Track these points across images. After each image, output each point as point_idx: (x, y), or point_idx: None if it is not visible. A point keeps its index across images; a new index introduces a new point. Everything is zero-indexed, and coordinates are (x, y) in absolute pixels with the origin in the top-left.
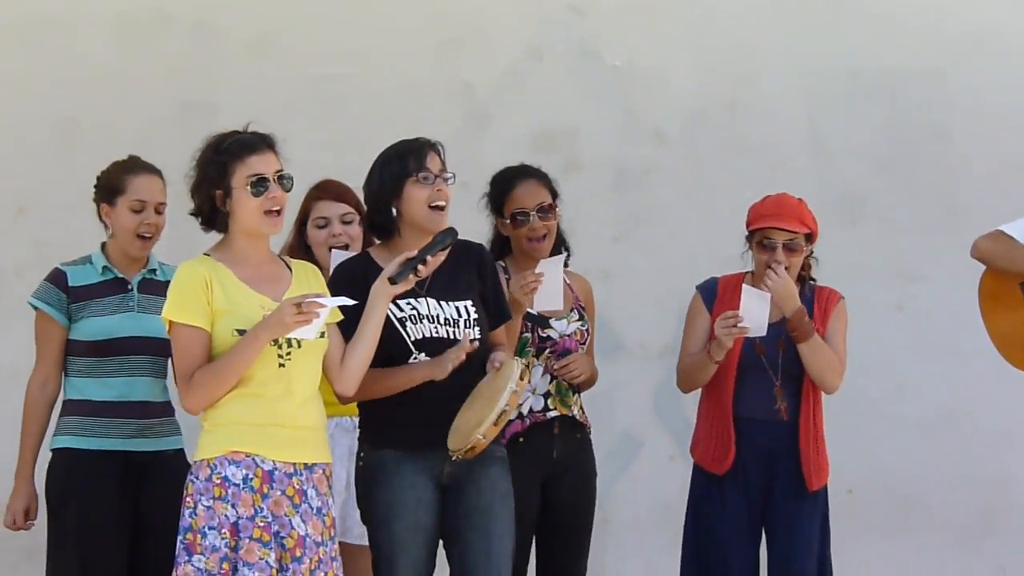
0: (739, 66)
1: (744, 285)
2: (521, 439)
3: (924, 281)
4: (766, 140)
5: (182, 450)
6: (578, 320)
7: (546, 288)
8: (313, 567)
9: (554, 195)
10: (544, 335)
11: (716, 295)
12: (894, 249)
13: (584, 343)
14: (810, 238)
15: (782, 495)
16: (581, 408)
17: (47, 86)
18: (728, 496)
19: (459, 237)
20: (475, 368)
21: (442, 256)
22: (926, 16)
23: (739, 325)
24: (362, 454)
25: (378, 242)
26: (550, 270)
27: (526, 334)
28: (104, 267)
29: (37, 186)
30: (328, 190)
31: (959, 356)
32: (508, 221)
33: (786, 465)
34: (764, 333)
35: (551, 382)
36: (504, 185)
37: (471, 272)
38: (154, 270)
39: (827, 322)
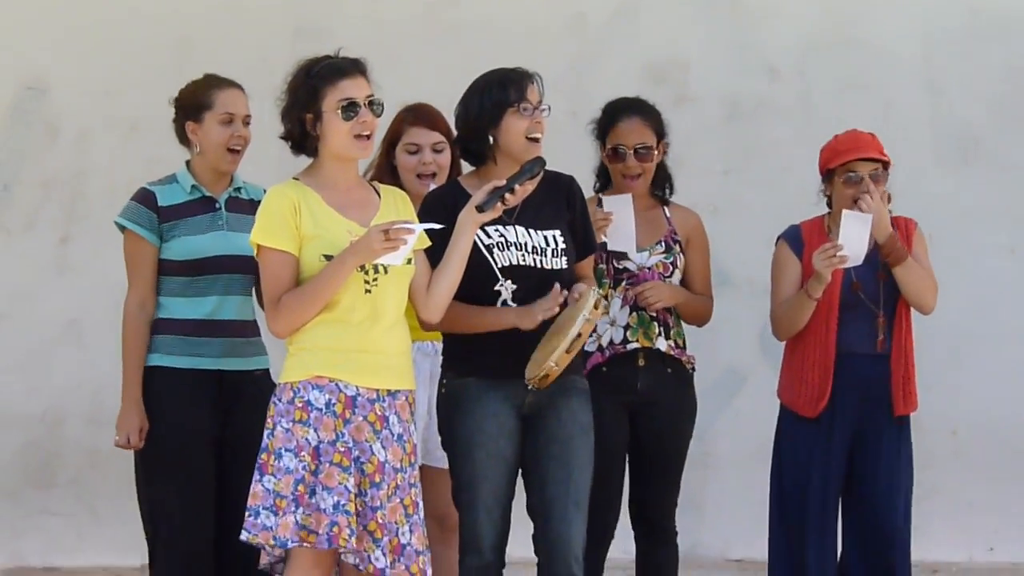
0: (854, 1)
1: (845, 211)
2: (604, 369)
3: None
4: (880, 77)
5: (268, 370)
6: (663, 253)
7: (617, 227)
8: (391, 493)
9: (660, 135)
10: (620, 266)
11: (803, 241)
12: (1008, 192)
13: (669, 275)
14: (886, 167)
15: (872, 424)
16: (677, 342)
17: (162, 7)
18: (820, 437)
19: (554, 168)
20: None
21: (530, 186)
22: None
23: (839, 254)
24: (444, 381)
25: (468, 169)
26: (619, 208)
27: (602, 265)
28: (192, 186)
29: (150, 105)
30: (422, 116)
31: None
32: (608, 153)
33: (879, 395)
34: (861, 261)
35: (631, 314)
36: (610, 117)
37: (560, 202)
38: (239, 188)
39: (911, 247)
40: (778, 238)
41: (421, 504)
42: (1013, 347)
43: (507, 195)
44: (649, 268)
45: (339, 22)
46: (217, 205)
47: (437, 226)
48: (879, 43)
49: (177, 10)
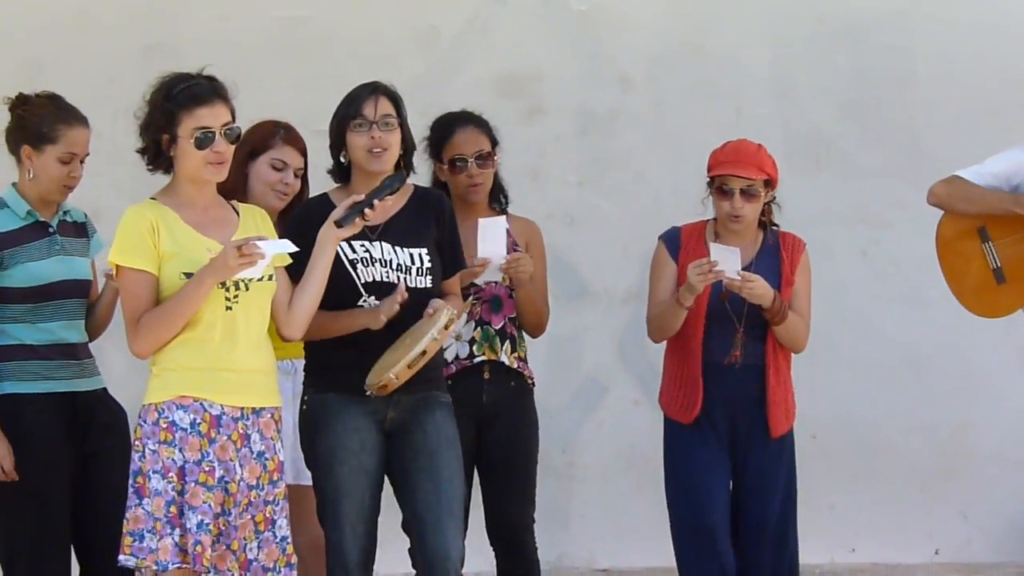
0: (704, 10)
1: (712, 244)
2: (450, 383)
3: (888, 227)
4: (731, 84)
5: (106, 388)
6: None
7: (489, 243)
8: (242, 510)
9: (494, 143)
10: (466, 281)
11: (680, 244)
12: (859, 195)
13: (515, 289)
14: (769, 184)
15: (749, 441)
16: (520, 357)
17: (10, 28)
18: (698, 443)
19: (420, 185)
20: (422, 315)
21: (390, 200)
22: None
23: (714, 271)
24: (306, 397)
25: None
26: (490, 227)
27: None
28: (28, 211)
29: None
30: (297, 139)
31: (923, 302)
32: (446, 167)
33: (752, 411)
34: (738, 277)
35: (476, 328)
36: (444, 130)
37: (429, 219)
38: (67, 212)
39: (795, 272)
40: (659, 238)
41: (281, 522)
42: (867, 348)
43: (367, 211)
44: (496, 282)
45: (189, 39)
46: (51, 229)
47: (291, 247)
48: (729, 51)
49: (25, 27)
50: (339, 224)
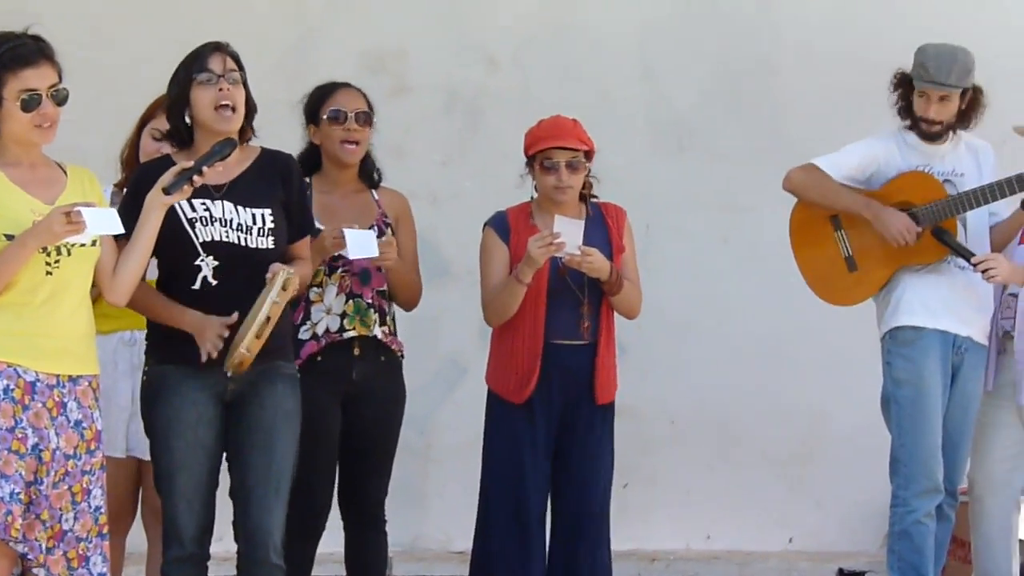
0: None
1: (557, 216)
2: (319, 358)
3: (750, 212)
4: (596, 67)
5: None
6: (377, 237)
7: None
8: (57, 479)
9: (371, 111)
10: (336, 253)
11: (508, 227)
12: (721, 180)
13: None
14: (589, 155)
15: (578, 412)
16: (391, 330)
17: None
18: (527, 423)
19: (272, 148)
20: (261, 281)
21: (220, 167)
22: None
23: (556, 242)
24: (146, 368)
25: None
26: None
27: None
28: None
29: None
30: None
31: (782, 288)
32: (325, 118)
33: (585, 384)
34: (577, 252)
35: (347, 302)
36: (326, 91)
37: (275, 181)
38: None
39: (623, 237)
40: (484, 225)
41: (96, 492)
42: (728, 335)
43: (195, 176)
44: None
45: (45, 5)
46: None
47: (117, 226)
48: (594, 33)
49: None
50: (167, 191)
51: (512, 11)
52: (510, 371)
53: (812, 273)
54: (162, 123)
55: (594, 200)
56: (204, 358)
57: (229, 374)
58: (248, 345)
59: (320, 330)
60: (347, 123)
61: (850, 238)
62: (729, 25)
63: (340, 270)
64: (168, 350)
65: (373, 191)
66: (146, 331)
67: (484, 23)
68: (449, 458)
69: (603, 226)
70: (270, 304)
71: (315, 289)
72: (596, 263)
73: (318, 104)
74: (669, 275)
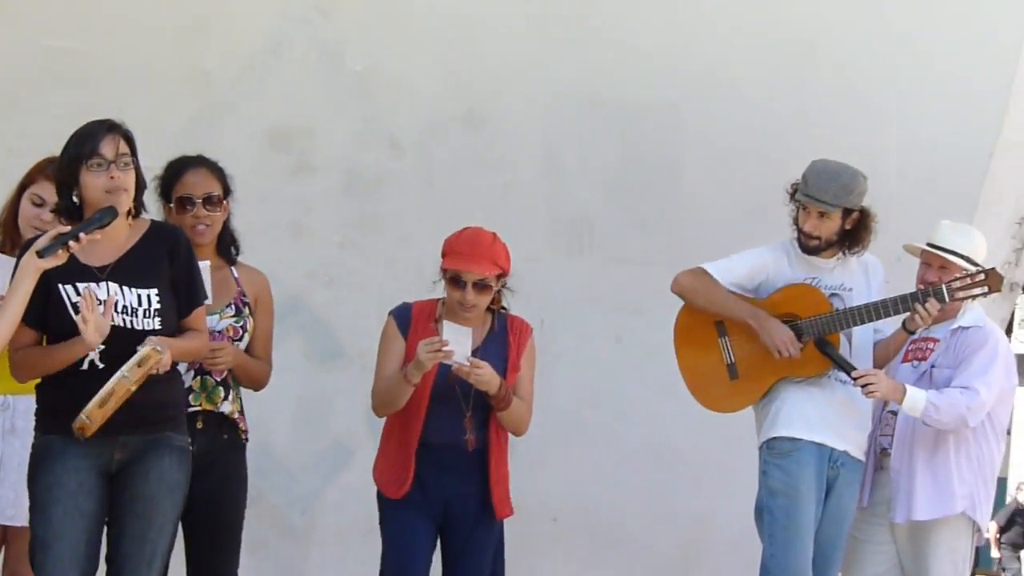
0: (480, 81)
1: (445, 321)
2: None
3: (644, 314)
4: (502, 157)
5: None
6: (233, 316)
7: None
8: None
9: (227, 190)
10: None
11: (410, 321)
12: (618, 280)
13: (239, 339)
14: (501, 276)
15: (463, 522)
16: (240, 409)
17: None
18: (411, 519)
19: (160, 221)
20: None
21: (99, 235)
22: (666, 50)
23: (444, 349)
24: (35, 439)
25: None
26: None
27: None
28: None
29: None
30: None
31: (672, 391)
32: (173, 207)
33: (469, 493)
34: (466, 362)
35: (195, 377)
36: (174, 171)
37: (161, 256)
38: None
39: (522, 356)
40: (388, 313)
41: None
42: (617, 435)
43: (71, 242)
44: (219, 332)
45: None
46: None
47: None
48: (501, 123)
49: None
50: (41, 254)
51: (420, 96)
52: (388, 467)
53: (693, 377)
54: (42, 189)
55: (503, 312)
56: (93, 339)
57: (77, 437)
58: (89, 413)
59: None
60: (196, 210)
61: (733, 345)
62: (636, 126)
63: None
64: (54, 420)
65: (232, 267)
66: (35, 402)
67: (391, 107)
68: (332, 541)
69: (503, 342)
70: (118, 377)
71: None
72: (484, 376)
73: (170, 184)
74: (561, 372)
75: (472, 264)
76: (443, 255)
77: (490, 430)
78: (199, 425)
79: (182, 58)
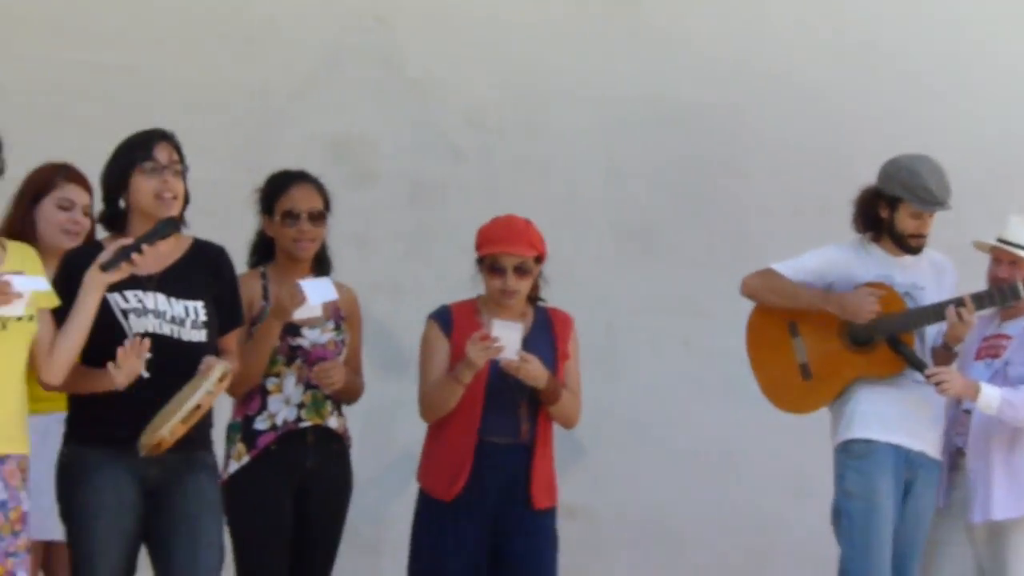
0: (539, 86)
1: (495, 320)
2: (274, 447)
3: (711, 317)
4: (562, 162)
5: None
6: (333, 330)
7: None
8: None
9: (327, 205)
10: (295, 344)
11: (452, 321)
12: (683, 283)
13: (339, 354)
14: (539, 259)
15: (515, 515)
16: (340, 420)
17: None
18: (453, 523)
19: (235, 243)
20: (193, 373)
21: (162, 245)
22: (727, 51)
23: (494, 346)
24: (65, 450)
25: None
26: (314, 289)
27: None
28: None
29: None
30: (78, 175)
31: (740, 393)
32: (277, 219)
33: (521, 486)
34: (515, 356)
35: (305, 392)
36: (280, 183)
37: (207, 273)
38: None
39: (568, 346)
40: (428, 317)
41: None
42: (683, 438)
43: (134, 256)
44: (322, 345)
45: (9, 74)
46: None
47: (46, 284)
48: (561, 128)
49: None
50: (104, 268)
51: (479, 103)
52: (441, 467)
53: (766, 379)
54: (67, 192)
55: (542, 304)
56: (120, 380)
57: (142, 453)
58: (172, 428)
59: (279, 421)
60: (300, 223)
61: (807, 345)
62: (698, 127)
63: (299, 360)
64: (91, 432)
65: None
66: (68, 412)
67: (451, 114)
68: (401, 551)
69: (549, 332)
70: (203, 393)
71: (273, 379)
72: (533, 371)
73: (272, 197)
74: (627, 376)
75: (510, 246)
76: (478, 247)
77: (538, 424)
78: (310, 440)
79: (239, 72)
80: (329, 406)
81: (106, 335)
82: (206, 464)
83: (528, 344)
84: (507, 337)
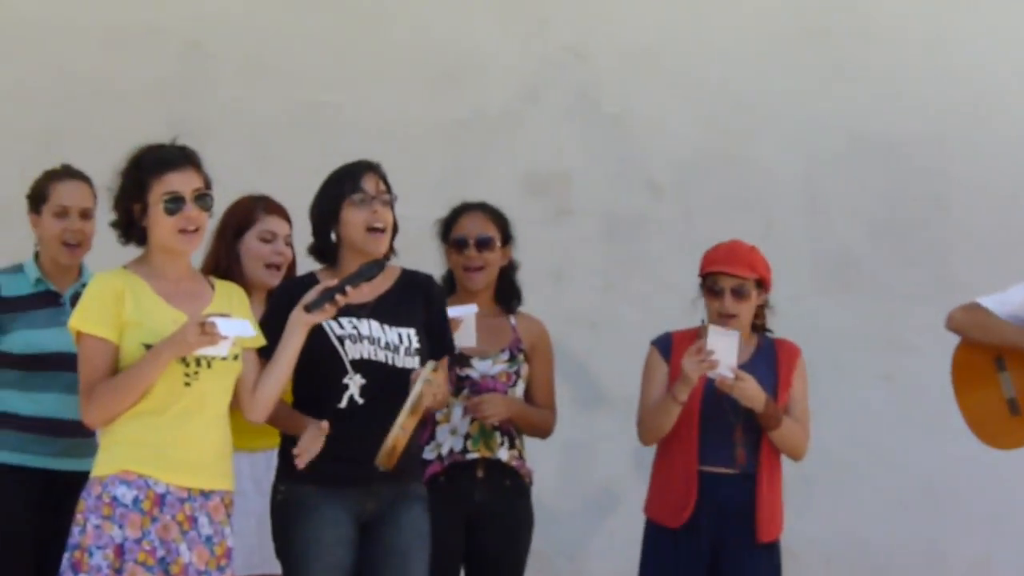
0: (737, 120)
1: (711, 326)
2: (441, 478)
3: (914, 352)
4: (761, 196)
5: None
6: (507, 362)
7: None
8: None
9: (505, 236)
10: (463, 374)
11: (672, 347)
12: (886, 317)
13: (512, 385)
14: (762, 285)
15: (736, 547)
16: (518, 454)
17: (30, 95)
18: (681, 550)
19: (412, 269)
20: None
21: (366, 288)
22: (929, 83)
23: (710, 359)
24: (281, 487)
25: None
26: (460, 315)
27: None
28: (37, 279)
29: (14, 196)
30: (278, 207)
31: (946, 431)
32: (450, 247)
33: (742, 517)
34: (730, 373)
35: (472, 423)
36: (454, 213)
37: (417, 301)
38: (86, 284)
39: (792, 379)
40: (651, 343)
41: None
42: (886, 476)
43: (338, 296)
44: (492, 376)
45: (214, 117)
46: (62, 300)
47: (252, 331)
48: (760, 162)
49: (47, 97)
50: (308, 309)
51: (676, 137)
52: (667, 494)
53: (973, 415)
54: (269, 224)
55: (769, 334)
56: (299, 464)
57: (380, 468)
58: (403, 422)
59: (444, 451)
60: (467, 251)
61: (1014, 380)
62: (899, 159)
63: (466, 390)
64: (307, 469)
65: (511, 317)
66: (279, 449)
67: (648, 148)
68: None
69: (772, 359)
70: (422, 382)
71: (442, 410)
72: (748, 390)
73: (448, 226)
74: (829, 412)
75: (728, 266)
76: (701, 268)
77: (761, 452)
78: (479, 473)
79: (436, 109)
80: (498, 437)
81: (321, 361)
82: (419, 496)
83: (747, 369)
84: (723, 348)
